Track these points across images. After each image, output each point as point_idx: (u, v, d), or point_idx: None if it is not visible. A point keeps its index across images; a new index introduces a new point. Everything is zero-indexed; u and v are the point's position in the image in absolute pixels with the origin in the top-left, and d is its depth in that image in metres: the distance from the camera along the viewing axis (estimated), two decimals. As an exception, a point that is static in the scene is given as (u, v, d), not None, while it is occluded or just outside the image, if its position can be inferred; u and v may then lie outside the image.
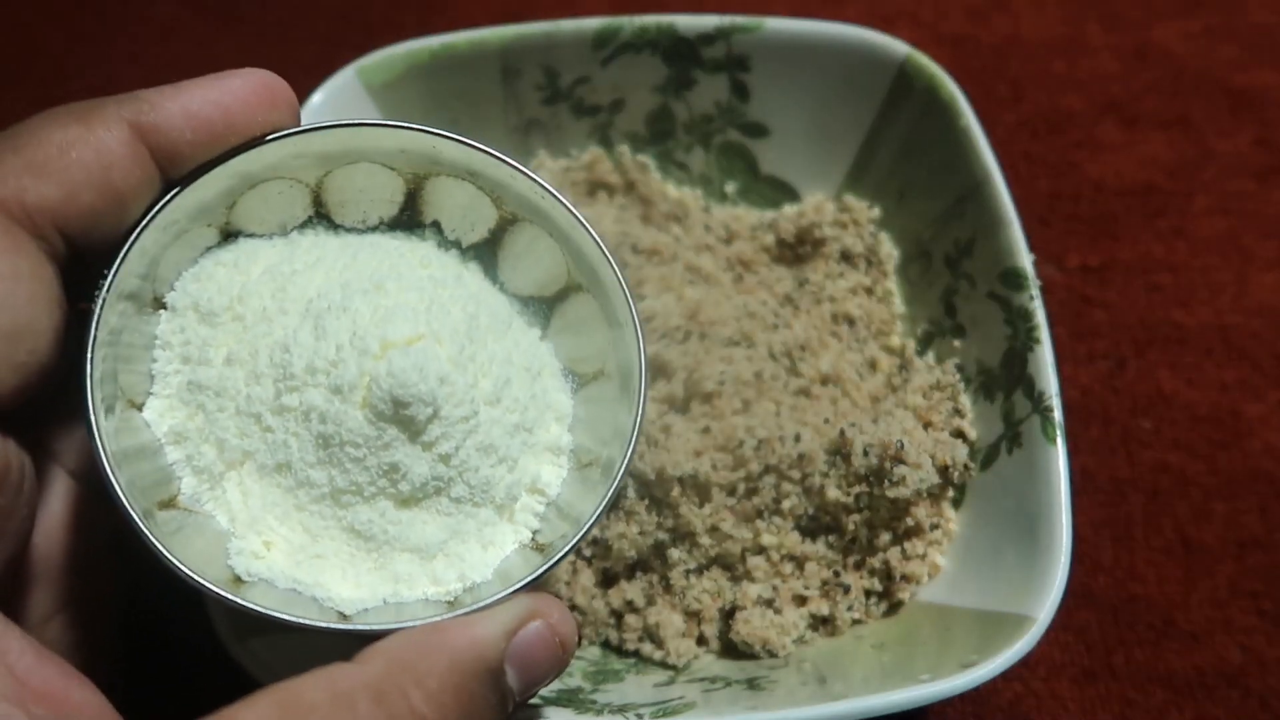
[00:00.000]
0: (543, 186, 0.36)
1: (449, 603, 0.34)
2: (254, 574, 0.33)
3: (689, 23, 0.54)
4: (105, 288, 0.32)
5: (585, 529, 0.34)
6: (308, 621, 0.32)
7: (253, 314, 0.35)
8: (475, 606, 0.32)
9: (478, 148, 0.36)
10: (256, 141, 0.34)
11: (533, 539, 0.36)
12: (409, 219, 0.39)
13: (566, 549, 0.34)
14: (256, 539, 0.34)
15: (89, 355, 0.32)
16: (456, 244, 0.39)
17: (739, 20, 0.53)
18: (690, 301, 0.49)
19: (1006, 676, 0.41)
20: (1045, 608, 0.39)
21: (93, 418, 0.31)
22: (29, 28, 0.71)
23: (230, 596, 0.31)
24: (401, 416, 0.33)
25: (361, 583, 0.34)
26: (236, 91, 0.33)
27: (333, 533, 0.34)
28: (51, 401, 0.35)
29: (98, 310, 0.32)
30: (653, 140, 0.57)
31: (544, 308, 0.39)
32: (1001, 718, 0.48)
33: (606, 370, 0.38)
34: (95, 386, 0.32)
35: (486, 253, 0.39)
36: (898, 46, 0.52)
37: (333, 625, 0.32)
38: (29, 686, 0.29)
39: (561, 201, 0.36)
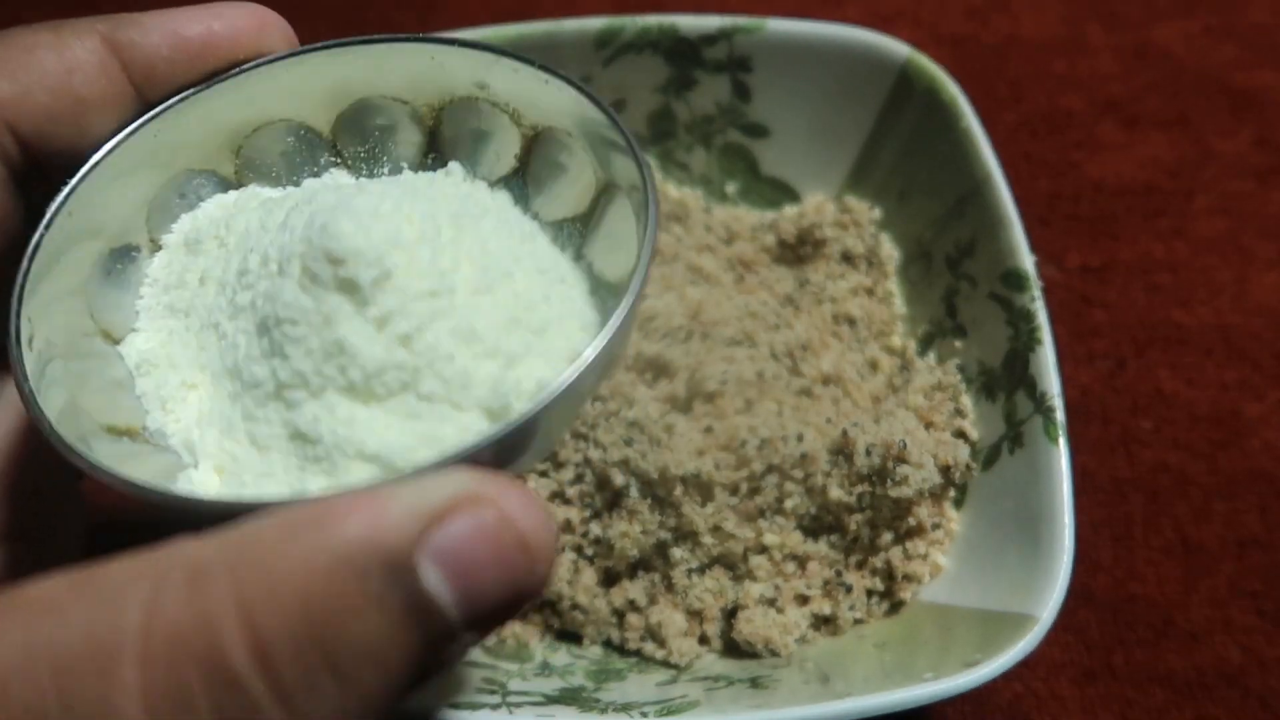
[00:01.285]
0: (550, 71, 0.33)
1: None
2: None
3: (691, 23, 0.54)
4: (59, 202, 0.30)
5: (573, 374, 0.27)
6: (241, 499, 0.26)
7: (236, 236, 0.33)
8: (388, 480, 0.24)
9: (475, 44, 0.33)
10: (244, 68, 0.32)
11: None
12: (433, 163, 0.36)
13: (541, 404, 0.26)
14: (208, 464, 0.30)
15: (25, 267, 0.30)
16: (484, 181, 0.36)
17: (741, 21, 0.53)
18: (692, 301, 0.50)
19: (1007, 676, 0.41)
20: (1047, 607, 0.39)
21: (14, 330, 0.29)
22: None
23: (151, 486, 0.26)
24: (341, 279, 0.28)
25: None
26: (223, 15, 0.32)
27: (281, 443, 0.30)
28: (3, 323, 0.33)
29: (46, 220, 0.30)
30: (654, 140, 0.57)
31: (579, 229, 0.35)
32: (1001, 717, 0.48)
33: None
34: (24, 298, 0.29)
35: (515, 185, 0.36)
36: (899, 48, 0.52)
37: (220, 499, 0.28)
38: None
39: (571, 82, 0.33)
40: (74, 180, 0.30)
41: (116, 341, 0.33)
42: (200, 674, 0.20)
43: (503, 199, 0.36)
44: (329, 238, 0.28)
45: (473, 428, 0.29)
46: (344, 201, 0.30)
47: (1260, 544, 0.51)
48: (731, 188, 0.57)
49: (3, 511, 0.32)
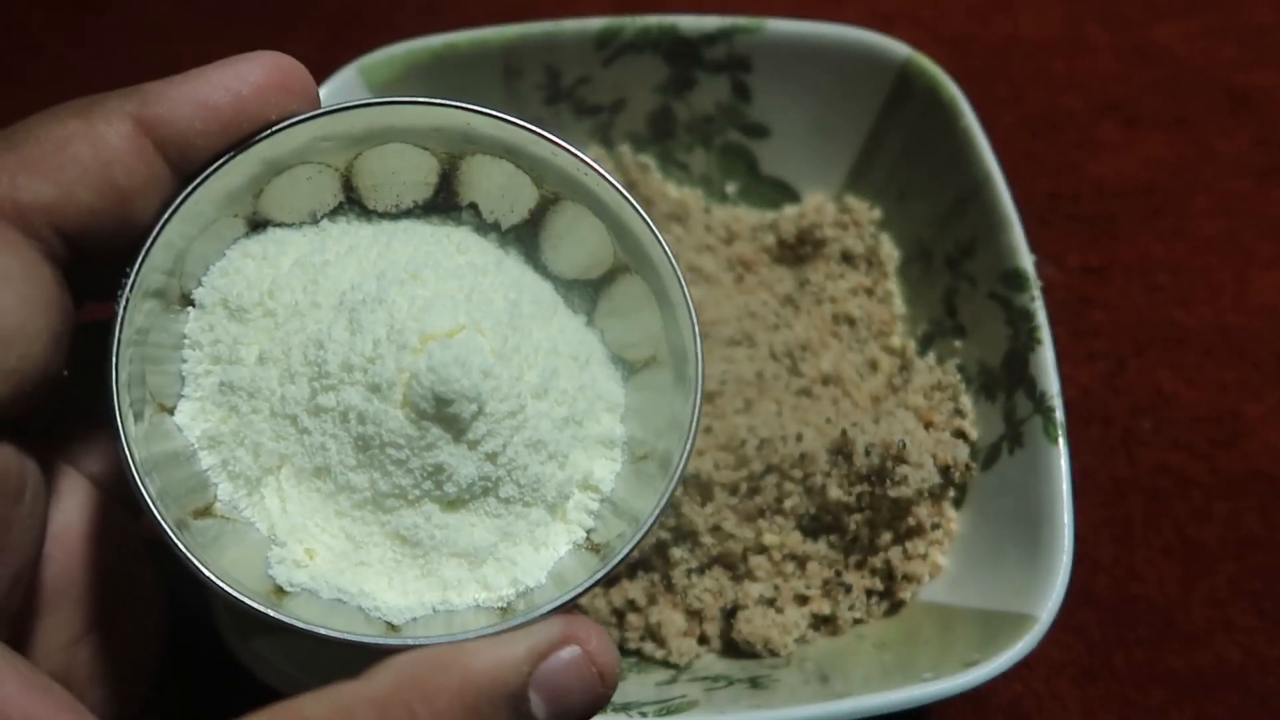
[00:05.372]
0: (585, 162, 0.34)
1: (502, 609, 0.33)
2: (296, 584, 0.32)
3: (691, 23, 0.54)
4: (129, 286, 0.31)
5: (645, 528, 0.31)
6: (355, 637, 0.30)
7: (284, 309, 0.33)
8: (505, 626, 0.30)
9: (515, 123, 0.33)
10: (276, 128, 0.32)
11: (587, 538, 0.34)
12: (444, 201, 0.37)
13: (626, 550, 0.31)
14: (298, 547, 0.32)
15: (114, 358, 0.30)
16: (495, 226, 0.37)
17: (740, 21, 0.53)
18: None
19: (1006, 676, 0.41)
20: (1047, 607, 0.39)
21: (119, 423, 0.30)
22: (29, 28, 0.70)
23: (273, 614, 0.29)
24: (444, 415, 0.31)
25: (409, 590, 0.32)
26: (247, 77, 0.31)
27: (376, 539, 0.33)
28: (69, 409, 0.33)
29: (121, 310, 0.30)
30: (654, 140, 0.57)
31: (589, 291, 0.37)
32: (1001, 718, 0.48)
33: (659, 356, 0.36)
34: (121, 390, 0.30)
35: (527, 234, 0.37)
36: (898, 48, 0.52)
37: (380, 640, 0.30)
38: (5, 717, 0.27)
39: (606, 178, 0.34)
40: (133, 274, 0.31)
41: (168, 411, 0.33)
42: None
43: (515, 253, 0.37)
44: (439, 382, 0.30)
45: (538, 522, 0.34)
46: (425, 312, 0.32)
47: (1260, 544, 0.51)
48: (731, 188, 0.57)
49: (88, 600, 0.33)
